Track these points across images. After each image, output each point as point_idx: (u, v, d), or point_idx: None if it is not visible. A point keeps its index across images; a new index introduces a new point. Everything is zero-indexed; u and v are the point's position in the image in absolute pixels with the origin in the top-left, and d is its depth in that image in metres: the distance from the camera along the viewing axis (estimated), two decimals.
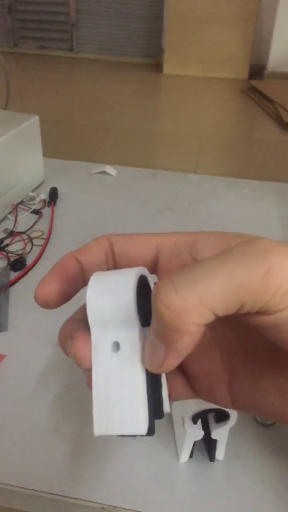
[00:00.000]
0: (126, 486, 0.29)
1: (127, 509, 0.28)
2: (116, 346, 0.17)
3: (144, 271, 0.18)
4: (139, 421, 0.16)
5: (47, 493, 0.29)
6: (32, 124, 0.58)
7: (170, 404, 0.19)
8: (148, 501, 0.28)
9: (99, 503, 0.28)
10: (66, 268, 0.19)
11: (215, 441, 0.29)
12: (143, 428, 0.16)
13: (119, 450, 0.31)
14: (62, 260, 0.19)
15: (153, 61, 3.54)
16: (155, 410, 0.17)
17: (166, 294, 0.14)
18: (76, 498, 0.29)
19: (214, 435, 0.29)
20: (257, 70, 3.30)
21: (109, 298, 0.16)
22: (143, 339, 0.16)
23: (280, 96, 2.72)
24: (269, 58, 3.23)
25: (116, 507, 0.28)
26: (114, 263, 0.20)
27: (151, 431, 0.16)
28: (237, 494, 0.29)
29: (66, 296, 0.19)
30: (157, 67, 3.45)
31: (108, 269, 0.19)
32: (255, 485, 0.29)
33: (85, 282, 0.19)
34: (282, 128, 2.48)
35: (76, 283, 0.19)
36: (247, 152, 2.34)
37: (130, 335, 0.16)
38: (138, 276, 0.17)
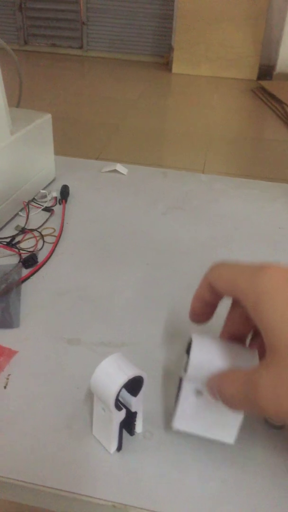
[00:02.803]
0: (137, 484, 0.29)
1: (137, 507, 0.28)
2: (103, 409, 0.30)
3: (134, 374, 0.28)
4: (110, 446, 0.31)
5: (57, 489, 0.29)
6: (44, 122, 0.58)
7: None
8: (159, 499, 0.28)
9: (110, 501, 0.28)
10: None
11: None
12: (111, 450, 0.31)
13: (129, 448, 0.31)
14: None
15: (163, 59, 3.54)
16: (129, 431, 0.32)
17: None
18: (87, 496, 0.29)
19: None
20: (266, 71, 3.29)
21: (103, 391, 0.28)
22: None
23: None
24: (279, 58, 3.22)
25: (127, 505, 0.28)
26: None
27: (118, 449, 0.31)
28: (248, 495, 0.29)
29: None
30: (167, 65, 3.45)
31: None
32: (265, 487, 0.29)
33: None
34: None
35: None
36: (255, 152, 2.34)
37: (109, 410, 0.29)
38: (121, 386, 0.28)
